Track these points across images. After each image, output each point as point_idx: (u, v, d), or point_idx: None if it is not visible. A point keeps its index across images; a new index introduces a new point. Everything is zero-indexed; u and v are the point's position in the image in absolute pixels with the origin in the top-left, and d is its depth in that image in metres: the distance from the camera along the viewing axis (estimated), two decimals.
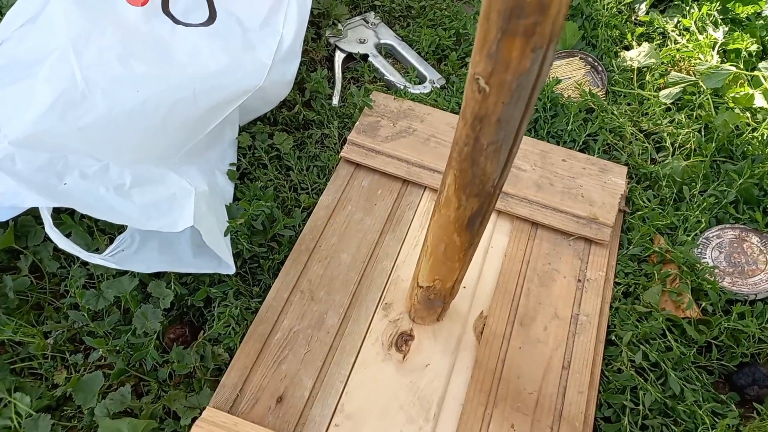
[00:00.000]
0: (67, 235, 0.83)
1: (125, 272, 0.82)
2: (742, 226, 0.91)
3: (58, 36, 0.76)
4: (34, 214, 0.88)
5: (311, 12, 1.03)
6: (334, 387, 0.77)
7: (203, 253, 0.82)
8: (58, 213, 0.87)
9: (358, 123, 1.02)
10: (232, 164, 0.96)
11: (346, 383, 0.78)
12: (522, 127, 0.46)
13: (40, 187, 0.67)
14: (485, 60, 0.39)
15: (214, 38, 0.91)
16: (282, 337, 0.81)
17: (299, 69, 1.02)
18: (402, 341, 0.82)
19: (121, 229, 0.87)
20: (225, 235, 0.82)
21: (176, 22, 0.90)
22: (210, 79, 0.85)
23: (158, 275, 0.84)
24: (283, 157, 0.99)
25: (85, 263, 0.86)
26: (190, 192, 0.78)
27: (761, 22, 1.13)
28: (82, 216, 0.87)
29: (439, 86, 1.10)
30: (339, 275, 0.87)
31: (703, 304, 0.84)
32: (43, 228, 0.74)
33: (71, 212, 0.88)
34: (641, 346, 0.81)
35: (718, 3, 1.17)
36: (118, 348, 0.79)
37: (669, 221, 0.92)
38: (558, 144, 1.02)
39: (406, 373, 0.79)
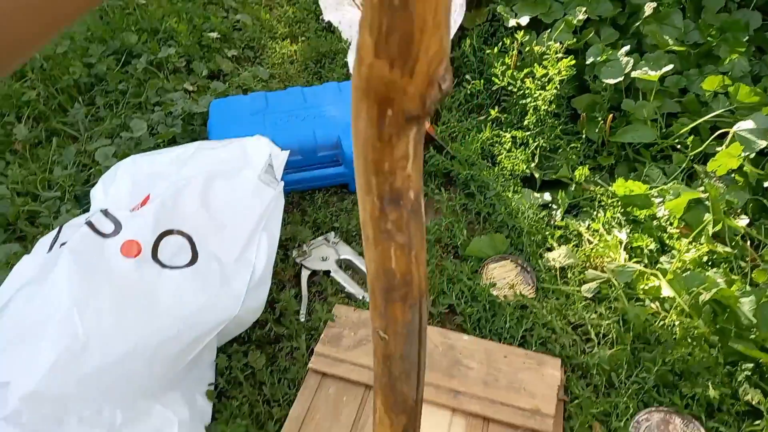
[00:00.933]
0: None
1: None
2: (666, 409, 1.03)
3: (63, 296, 0.90)
4: None
5: (279, 238, 1.22)
6: None
7: None
8: None
9: (323, 335, 1.15)
10: (210, 384, 1.06)
11: None
12: (421, 357, 0.60)
13: None
14: (380, 318, 0.54)
15: (196, 276, 1.07)
16: None
17: (270, 290, 1.17)
18: None
19: None
20: None
21: (163, 266, 1.05)
22: (192, 317, 0.99)
23: None
24: (257, 374, 1.11)
25: None
26: (174, 423, 0.88)
27: (656, 222, 1.36)
28: None
29: None
30: None
31: None
32: None
33: None
34: None
35: (620, 208, 1.41)
36: None
37: (602, 408, 1.03)
38: (500, 341, 1.17)
39: None
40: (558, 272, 1.30)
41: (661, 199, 1.39)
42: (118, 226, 1.03)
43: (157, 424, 0.87)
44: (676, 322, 1.16)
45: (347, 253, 1.35)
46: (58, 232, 1.09)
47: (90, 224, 1.01)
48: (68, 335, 0.84)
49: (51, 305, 0.89)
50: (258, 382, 1.10)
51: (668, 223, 1.36)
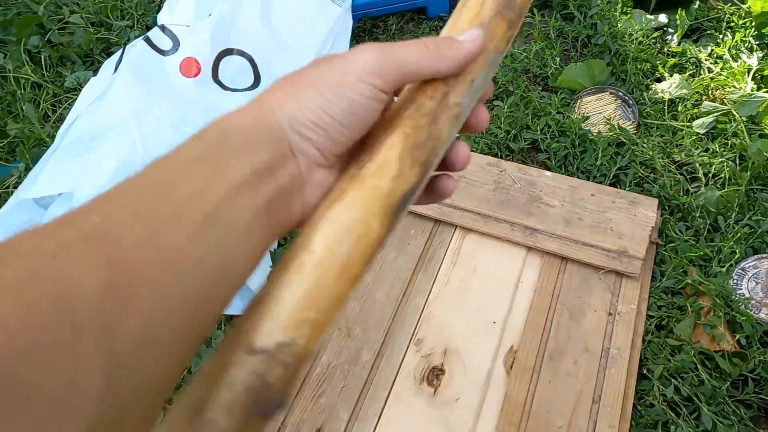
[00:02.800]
0: None
1: None
2: None
3: (122, 110, 0.87)
4: None
5: None
6: (368, 420, 0.82)
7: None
8: None
9: None
10: None
11: (379, 417, 0.82)
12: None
13: None
14: None
15: None
16: (321, 372, 0.87)
17: None
18: (433, 376, 0.86)
19: None
20: None
21: (225, 88, 1.00)
22: None
23: None
24: None
25: None
26: None
27: None
28: None
29: None
30: (374, 313, 0.93)
31: (739, 336, 0.83)
32: None
33: None
34: (673, 380, 0.81)
35: (753, 29, 1.16)
36: None
37: (702, 252, 0.91)
38: (588, 179, 1.04)
39: (437, 406, 0.83)
40: (666, 105, 1.12)
41: None
42: (176, 43, 0.98)
43: None
44: None
45: None
46: (122, 52, 1.05)
47: (147, 39, 0.96)
48: (127, 146, 0.83)
49: (111, 119, 0.87)
50: None
51: None
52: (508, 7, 0.37)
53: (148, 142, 0.84)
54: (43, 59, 1.32)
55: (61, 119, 1.26)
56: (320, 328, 0.31)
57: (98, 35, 1.35)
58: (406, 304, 0.93)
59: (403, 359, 0.88)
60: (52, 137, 1.20)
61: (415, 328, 0.91)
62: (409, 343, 0.89)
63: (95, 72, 1.32)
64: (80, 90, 1.24)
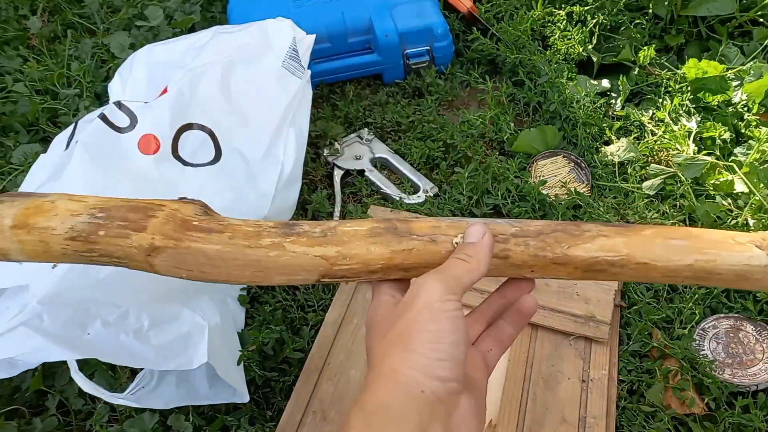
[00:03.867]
0: (91, 375, 0.88)
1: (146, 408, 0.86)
2: (736, 315, 0.93)
3: (79, 192, 0.83)
4: None
5: (309, 134, 1.12)
6: None
7: (218, 384, 0.86)
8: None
9: None
10: (242, 288, 1.02)
11: None
12: None
13: (66, 341, 0.72)
14: None
15: (220, 175, 0.99)
16: None
17: (301, 190, 1.09)
18: None
19: None
20: (238, 364, 0.87)
21: (185, 164, 0.98)
22: None
23: (177, 408, 0.87)
24: None
25: None
26: (204, 327, 0.83)
27: (731, 109, 1.20)
28: None
29: (432, 194, 1.16)
30: (349, 392, 0.90)
31: (707, 399, 0.86)
32: (69, 369, 0.79)
33: None
34: None
35: (689, 93, 1.24)
36: None
37: (664, 314, 0.95)
38: None
39: None
40: (617, 168, 1.17)
41: (738, 82, 1.22)
42: (133, 120, 0.95)
43: (186, 329, 0.82)
44: (751, 221, 1.04)
45: (382, 151, 1.25)
46: (74, 128, 1.01)
47: (103, 117, 0.93)
48: None
49: None
50: (292, 287, 1.05)
51: (745, 109, 1.20)
52: None
53: None
54: None
55: None
56: None
57: (45, 104, 1.29)
58: None
59: None
60: None
61: None
62: None
63: (42, 143, 1.27)
64: (27, 165, 1.18)
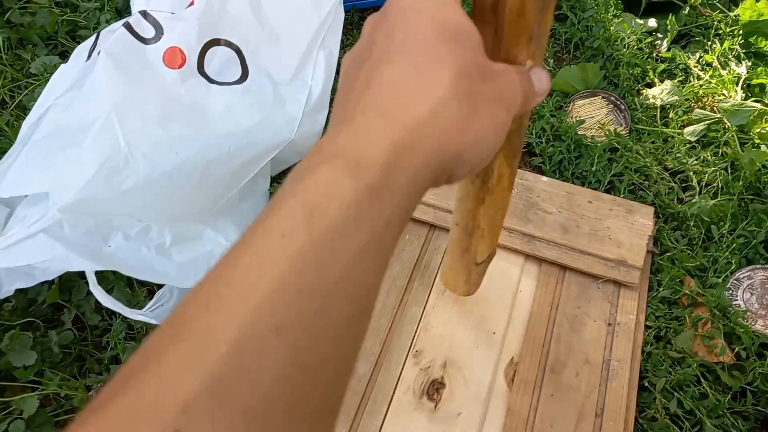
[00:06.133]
0: (110, 291, 0.87)
1: None
2: None
3: (102, 102, 0.80)
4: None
5: (338, 60, 1.07)
6: None
7: None
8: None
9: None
10: None
11: None
12: None
13: (86, 251, 0.71)
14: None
15: (247, 95, 0.95)
16: None
17: (327, 118, 1.05)
18: (433, 389, 0.83)
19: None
20: None
21: (211, 81, 0.94)
22: (244, 136, 0.89)
23: None
24: None
25: (125, 317, 0.90)
26: (226, 248, 0.81)
27: None
28: None
29: None
30: (370, 322, 0.89)
31: (737, 348, 0.84)
32: (87, 283, 0.78)
33: None
34: (675, 393, 0.80)
35: (741, 37, 1.17)
36: None
37: (698, 262, 0.92)
38: (583, 185, 1.03)
39: (439, 422, 0.80)
40: (658, 111, 1.11)
41: None
42: (159, 31, 0.90)
43: (209, 248, 0.80)
44: None
45: None
46: (96, 38, 0.97)
47: (128, 26, 0.89)
48: (109, 144, 0.76)
49: (90, 112, 0.79)
50: None
51: None
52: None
53: (132, 140, 0.77)
54: (0, 40, 1.22)
55: (20, 107, 1.16)
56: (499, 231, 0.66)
57: (64, 17, 1.25)
58: (403, 313, 0.90)
59: (401, 372, 0.84)
60: (11, 126, 1.11)
61: (413, 340, 0.87)
62: (407, 355, 0.86)
63: (62, 57, 1.23)
64: (44, 76, 1.15)
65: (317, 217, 0.23)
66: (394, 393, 0.82)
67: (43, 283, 0.87)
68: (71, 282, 0.93)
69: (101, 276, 0.89)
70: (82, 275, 0.91)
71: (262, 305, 0.21)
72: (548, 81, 0.37)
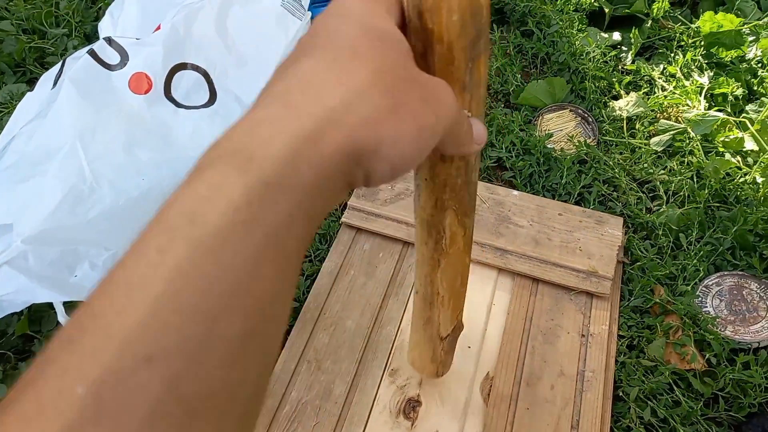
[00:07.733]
0: None
1: None
2: (741, 273, 0.92)
3: (67, 131, 0.80)
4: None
5: None
6: None
7: None
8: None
9: (356, 188, 1.05)
10: None
11: None
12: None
13: (51, 282, 0.70)
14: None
15: (216, 118, 0.95)
16: (290, 410, 0.82)
17: None
18: (410, 408, 0.83)
19: None
20: None
21: (178, 105, 0.94)
22: None
23: None
24: None
25: None
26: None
27: (745, 65, 1.16)
28: None
29: None
30: (344, 342, 0.88)
31: (707, 355, 0.85)
32: (56, 313, 0.76)
33: None
34: (649, 402, 0.81)
35: (702, 48, 1.20)
36: None
37: (668, 271, 0.93)
38: (553, 198, 1.04)
39: None
40: (625, 123, 1.13)
41: (753, 38, 1.17)
42: (124, 57, 0.90)
43: None
44: (760, 179, 1.01)
45: None
46: (62, 66, 0.96)
47: (92, 53, 0.88)
48: (74, 172, 0.75)
49: (54, 140, 0.79)
50: None
51: (759, 65, 1.16)
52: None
53: (97, 168, 0.77)
54: None
55: None
56: (461, 307, 0.69)
57: (31, 44, 1.24)
58: (378, 332, 0.90)
59: (377, 392, 0.84)
60: None
61: (389, 358, 0.87)
62: (383, 374, 0.86)
63: (29, 84, 1.22)
64: (12, 104, 1.14)
65: (198, 225, 0.21)
66: (370, 413, 0.82)
67: (12, 314, 0.86)
68: (41, 312, 0.91)
69: (70, 305, 0.88)
70: (51, 305, 0.90)
71: (130, 335, 0.19)
72: (485, 133, 0.36)
